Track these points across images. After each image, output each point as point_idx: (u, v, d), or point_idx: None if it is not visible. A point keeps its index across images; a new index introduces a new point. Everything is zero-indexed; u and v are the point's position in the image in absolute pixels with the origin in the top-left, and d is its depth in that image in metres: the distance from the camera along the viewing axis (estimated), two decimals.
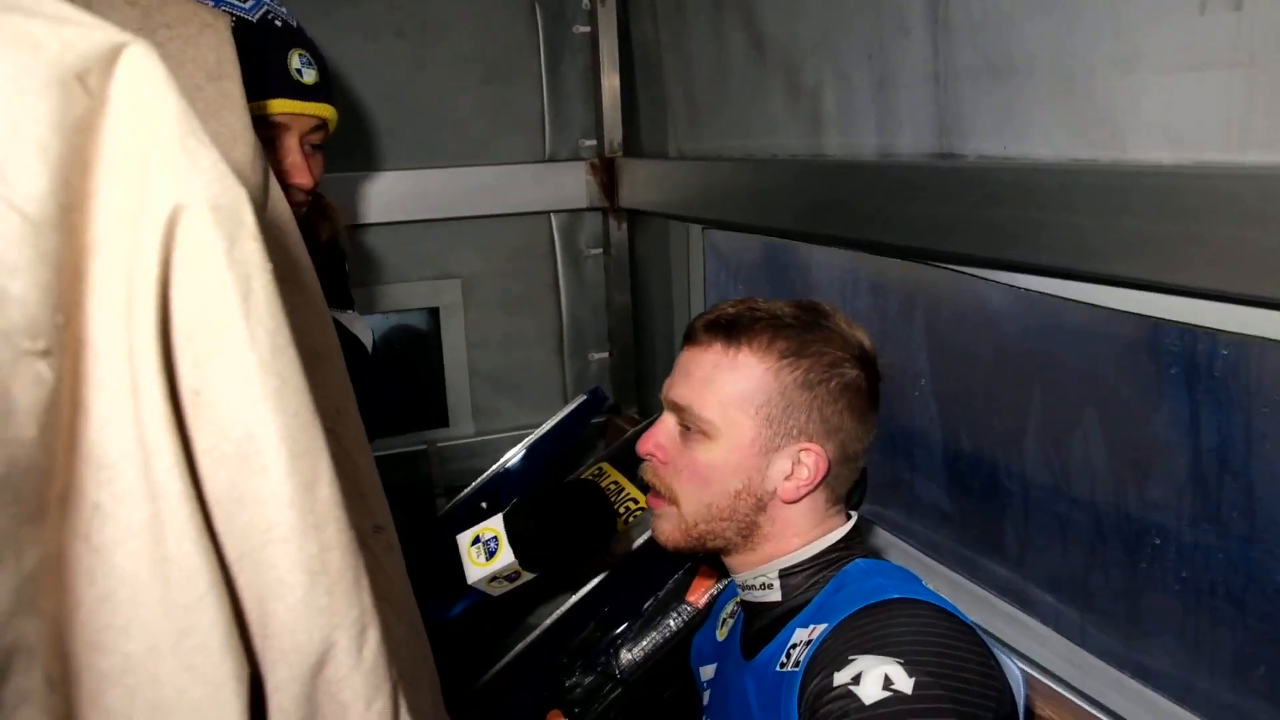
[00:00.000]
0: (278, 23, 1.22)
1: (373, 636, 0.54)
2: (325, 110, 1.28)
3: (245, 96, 0.84)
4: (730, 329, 1.07)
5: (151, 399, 0.43)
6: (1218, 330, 1.02)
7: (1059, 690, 1.19)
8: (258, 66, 1.19)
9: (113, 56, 0.42)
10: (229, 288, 0.45)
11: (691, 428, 1.08)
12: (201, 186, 0.44)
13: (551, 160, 2.38)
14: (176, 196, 0.43)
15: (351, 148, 2.17)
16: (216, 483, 0.46)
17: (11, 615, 0.40)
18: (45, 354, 0.39)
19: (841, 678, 0.89)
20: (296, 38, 1.25)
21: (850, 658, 0.90)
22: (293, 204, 1.33)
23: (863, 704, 0.86)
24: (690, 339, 1.12)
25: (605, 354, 2.53)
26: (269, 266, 0.48)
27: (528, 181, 2.35)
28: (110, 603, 0.44)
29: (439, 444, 2.36)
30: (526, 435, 2.13)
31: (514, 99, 2.33)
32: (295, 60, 1.22)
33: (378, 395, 1.79)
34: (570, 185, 2.38)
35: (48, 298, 0.39)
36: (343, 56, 2.12)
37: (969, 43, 1.28)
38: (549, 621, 1.43)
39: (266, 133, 1.24)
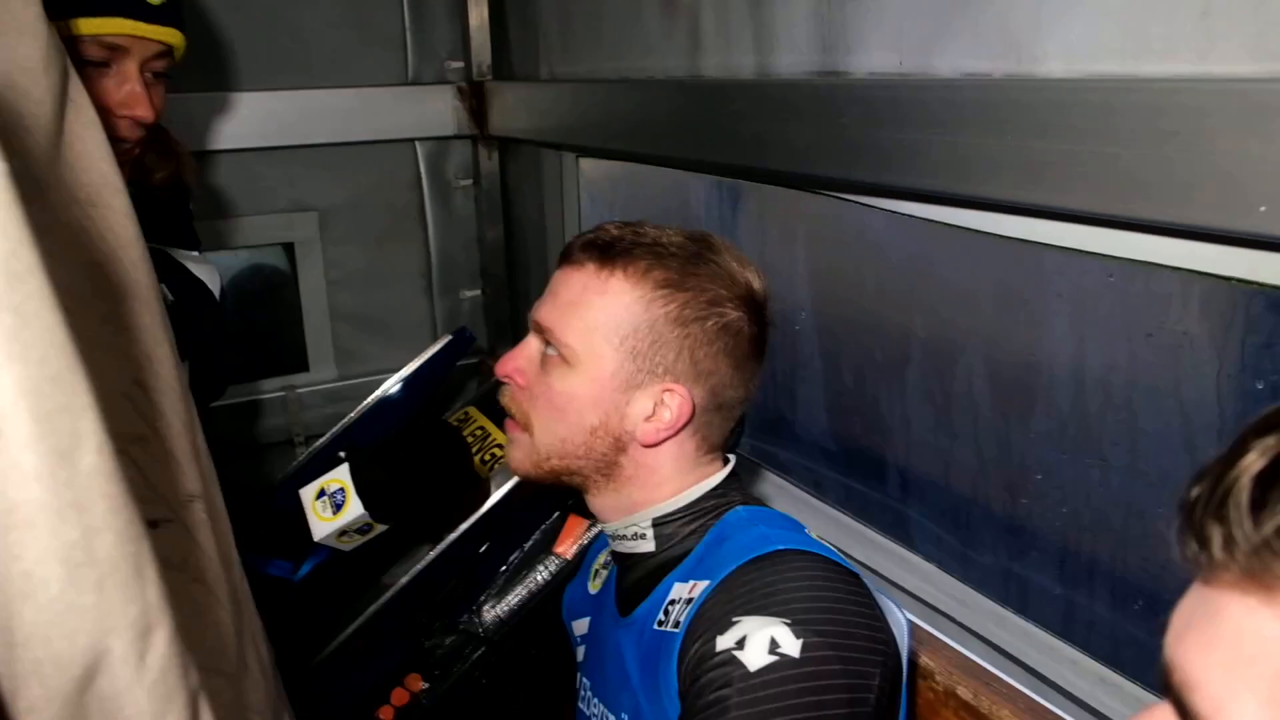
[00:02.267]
0: None
1: (160, 638, 0.42)
2: (173, 36, 1.14)
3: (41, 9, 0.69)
4: (607, 251, 0.97)
5: None
6: (1104, 255, 0.96)
7: (938, 634, 1.15)
8: None
9: None
10: None
11: (552, 351, 0.98)
12: None
13: (415, 83, 2.20)
14: None
15: (192, 65, 1.93)
16: None
17: None
18: None
19: (725, 642, 0.82)
20: None
21: (734, 620, 0.83)
22: (127, 139, 1.17)
23: (747, 670, 0.79)
24: (565, 258, 1.01)
25: (477, 291, 2.39)
26: (2, 165, 0.35)
27: (389, 106, 2.18)
28: None
29: (298, 389, 2.19)
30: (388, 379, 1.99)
31: (372, 14, 2.14)
32: None
33: (226, 346, 1.63)
34: (436, 111, 2.21)
35: None
36: None
37: None
38: (405, 580, 1.32)
39: (101, 55, 1.10)
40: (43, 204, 0.59)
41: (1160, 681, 0.42)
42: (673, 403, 0.96)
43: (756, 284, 1.00)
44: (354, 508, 1.15)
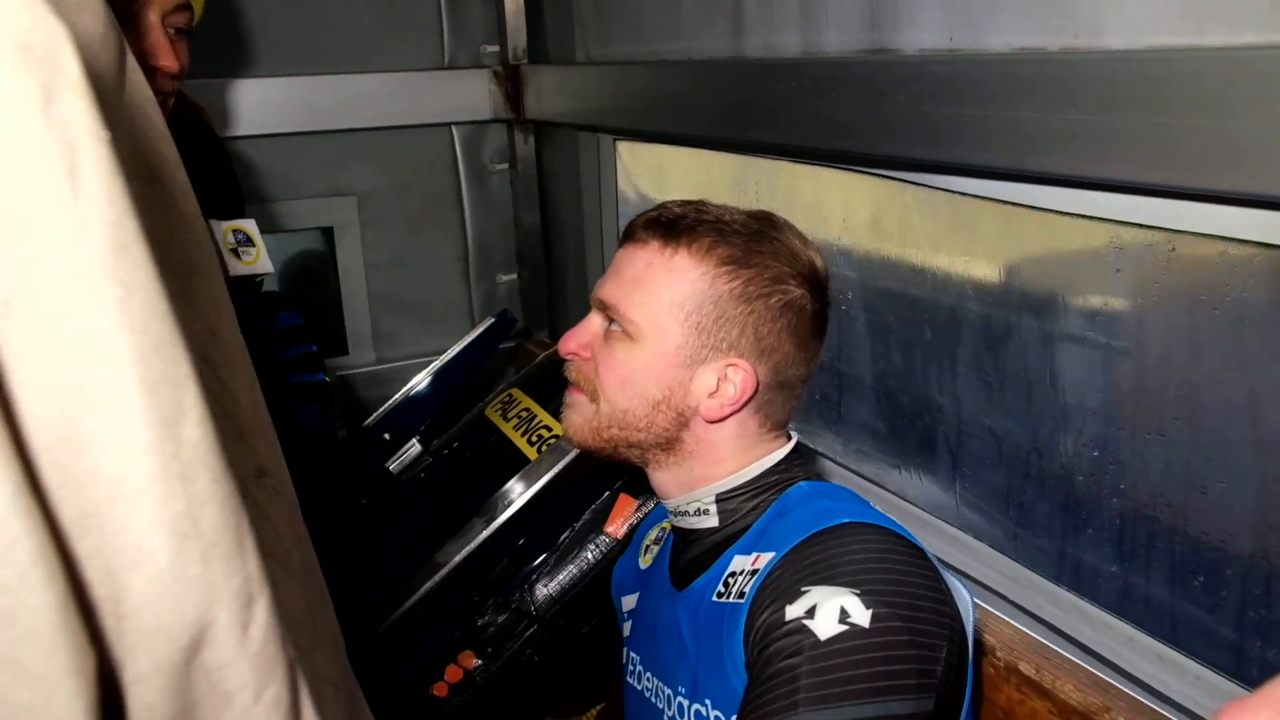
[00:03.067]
0: None
1: (261, 609, 0.42)
2: None
3: None
4: (670, 228, 0.98)
5: None
6: (1173, 230, 0.95)
7: (996, 612, 1.15)
8: None
9: None
10: (48, 158, 0.33)
11: (616, 327, 0.99)
12: (2, 24, 0.31)
13: (451, 67, 2.20)
14: None
15: (232, 51, 1.97)
16: (43, 423, 0.34)
17: None
18: None
19: (794, 611, 0.82)
20: None
21: (803, 589, 0.83)
22: (157, 92, 1.18)
23: (818, 639, 0.79)
24: (628, 236, 1.02)
25: (514, 276, 2.40)
26: (104, 134, 0.35)
27: (425, 90, 2.18)
28: None
29: (338, 373, 2.21)
30: (431, 361, 2.00)
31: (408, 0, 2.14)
32: None
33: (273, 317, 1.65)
34: (472, 95, 2.22)
35: None
36: None
37: None
38: (459, 558, 1.33)
39: (122, 6, 1.09)
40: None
41: None
42: (736, 378, 0.96)
43: (818, 262, 1.01)
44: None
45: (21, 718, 0.34)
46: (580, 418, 1.03)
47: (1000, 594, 1.26)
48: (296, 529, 0.85)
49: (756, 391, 0.97)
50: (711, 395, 0.97)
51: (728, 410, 0.97)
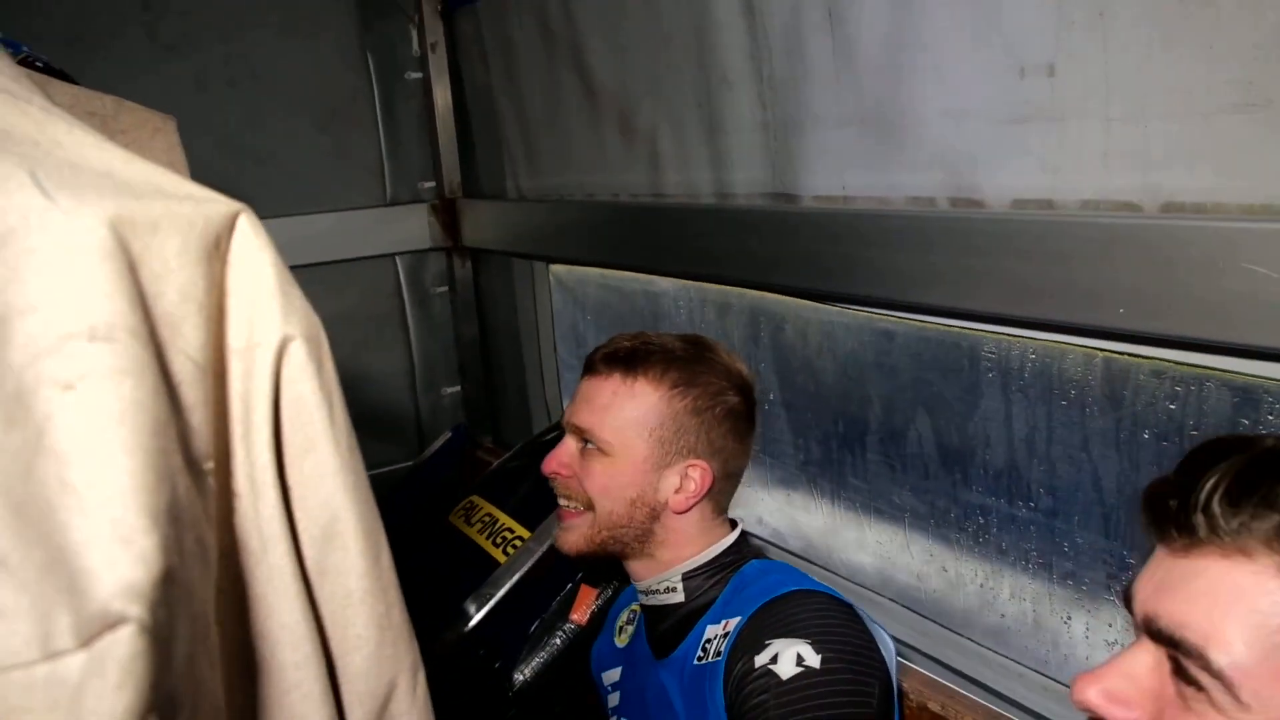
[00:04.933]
0: (38, 64, 1.23)
1: (421, 677, 0.63)
2: None
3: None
4: (628, 360, 1.21)
5: (268, 497, 0.51)
6: (1005, 335, 1.22)
7: (906, 662, 1.37)
8: None
9: (232, 223, 0.49)
10: (319, 403, 0.53)
11: (591, 446, 1.20)
12: (298, 321, 0.52)
13: (393, 204, 2.43)
14: (283, 330, 0.50)
15: None
16: (309, 560, 0.54)
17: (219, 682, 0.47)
18: (212, 471, 0.48)
19: (761, 659, 1.04)
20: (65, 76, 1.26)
21: (766, 642, 1.05)
22: None
23: (780, 679, 1.01)
24: (590, 369, 1.24)
25: (457, 387, 2.59)
26: (340, 386, 0.56)
27: (370, 225, 2.40)
28: (238, 661, 0.51)
29: None
30: (385, 473, 2.17)
31: (352, 145, 2.37)
32: None
33: None
34: (413, 227, 2.44)
35: (209, 426, 0.46)
36: (174, 109, 2.08)
37: (794, 96, 1.43)
38: (441, 652, 1.49)
39: None
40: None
41: (1142, 627, 0.64)
42: (696, 475, 1.19)
43: (745, 371, 1.25)
44: None
45: None
46: (576, 534, 1.23)
47: (912, 645, 1.48)
48: None
49: (713, 484, 1.19)
50: (677, 491, 1.19)
51: (692, 502, 1.19)
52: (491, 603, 1.51)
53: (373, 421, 2.47)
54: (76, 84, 0.88)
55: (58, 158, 0.44)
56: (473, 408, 2.59)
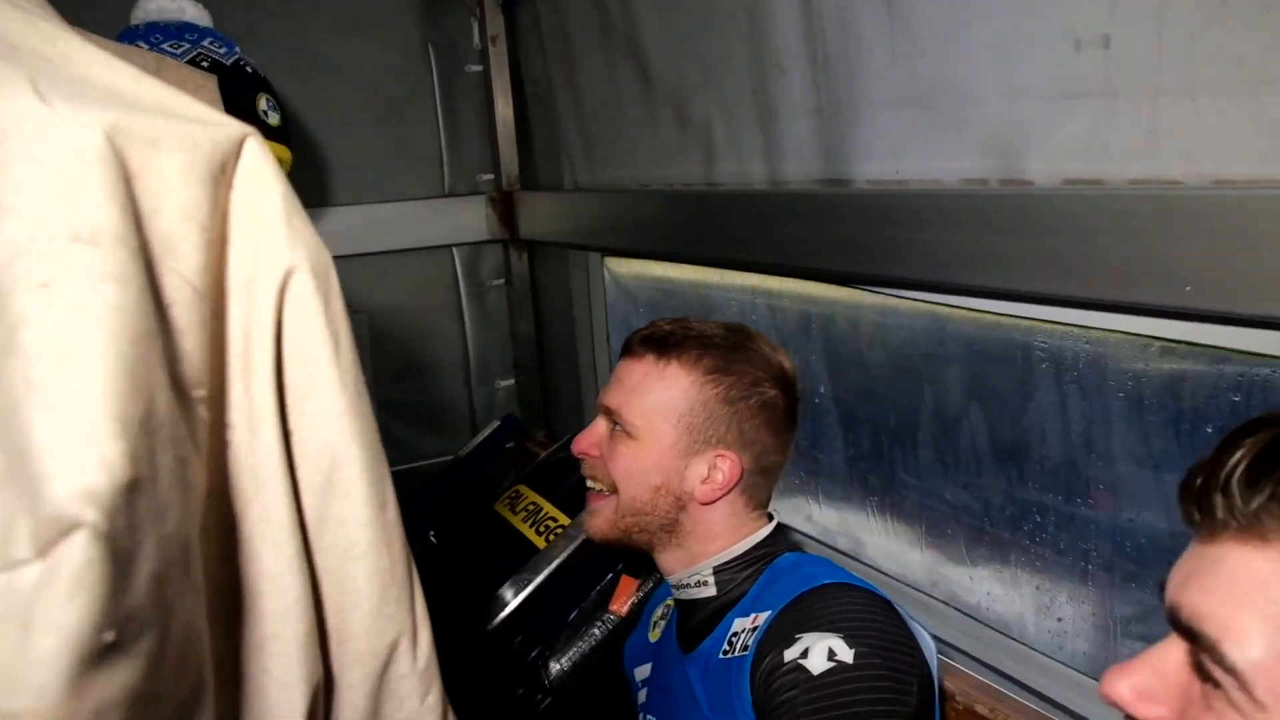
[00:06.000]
0: (248, 69, 1.29)
1: (424, 638, 0.61)
2: (283, 150, 1.35)
3: None
4: (663, 344, 1.18)
5: (266, 437, 0.50)
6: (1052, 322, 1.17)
7: (954, 664, 1.32)
8: (229, 108, 1.25)
9: (239, 147, 0.49)
10: (325, 340, 0.52)
11: (619, 428, 1.17)
12: (305, 254, 0.50)
13: (451, 195, 2.44)
14: (287, 262, 0.49)
15: None
16: (308, 508, 0.53)
17: (202, 617, 0.46)
18: (204, 400, 0.46)
19: (791, 654, 0.99)
20: (264, 84, 1.32)
21: (796, 636, 1.01)
22: None
23: (811, 674, 0.96)
24: (626, 351, 1.22)
25: (511, 381, 2.59)
26: (349, 323, 0.55)
27: (428, 216, 2.41)
28: (221, 601, 0.50)
29: None
30: (438, 463, 2.18)
31: (412, 136, 2.39)
32: (263, 103, 1.29)
33: None
34: (470, 219, 2.45)
35: (204, 353, 0.46)
36: None
37: (848, 79, 1.40)
38: (479, 638, 1.49)
39: None
40: None
41: (1168, 619, 0.60)
42: (724, 466, 1.15)
43: (787, 365, 1.21)
44: None
45: (262, 707, 0.51)
46: (600, 518, 1.21)
47: (959, 647, 1.43)
48: None
49: (742, 477, 1.16)
50: (704, 481, 1.15)
51: (718, 493, 1.15)
52: (529, 589, 1.50)
53: (426, 413, 2.49)
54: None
55: (64, 72, 0.43)
56: (526, 401, 2.59)
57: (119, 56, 0.82)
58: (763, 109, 1.62)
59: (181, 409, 0.42)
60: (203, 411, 0.45)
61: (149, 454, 0.38)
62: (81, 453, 0.35)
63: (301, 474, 0.51)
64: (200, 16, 1.29)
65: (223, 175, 0.46)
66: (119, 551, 0.36)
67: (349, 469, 0.52)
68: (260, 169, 0.49)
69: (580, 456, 1.23)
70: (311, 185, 2.25)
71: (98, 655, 0.35)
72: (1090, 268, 1.02)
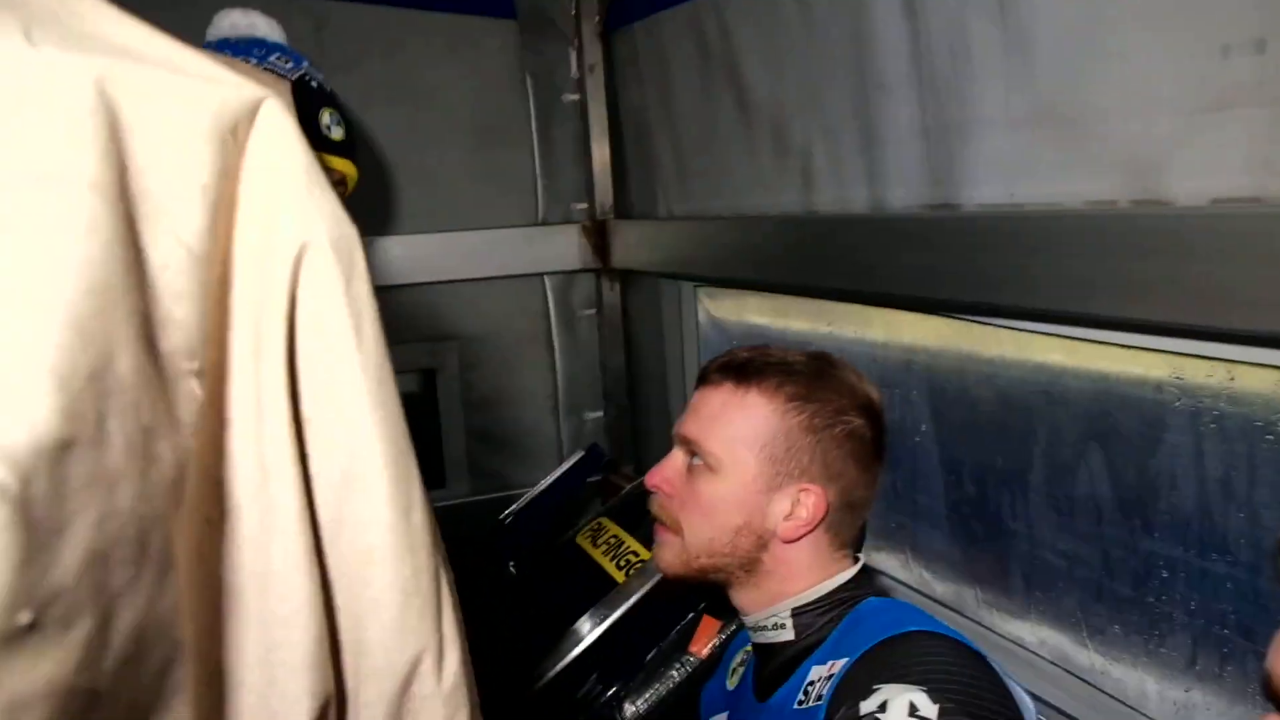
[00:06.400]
0: (313, 83, 1.29)
1: (452, 659, 0.55)
2: (346, 165, 1.34)
3: None
4: (742, 371, 1.10)
5: (276, 423, 0.45)
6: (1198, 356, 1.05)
7: None
8: None
9: (254, 110, 0.45)
10: (344, 322, 0.47)
11: (698, 461, 1.10)
12: (324, 227, 0.46)
13: (545, 223, 2.42)
14: (304, 235, 0.45)
15: (357, 214, 2.21)
16: (324, 505, 0.48)
17: (174, 611, 0.41)
18: (199, 374, 0.42)
19: (867, 706, 0.89)
20: (329, 98, 1.32)
21: (874, 687, 0.91)
22: None
23: None
24: (703, 379, 1.14)
25: (600, 413, 2.54)
26: (375, 304, 0.50)
27: (521, 244, 2.39)
28: (212, 609, 0.45)
29: (435, 504, 2.33)
30: (523, 493, 2.13)
31: (506, 164, 2.38)
32: (326, 117, 1.29)
33: None
34: (563, 247, 2.42)
35: (202, 323, 0.41)
36: None
37: (957, 98, 1.32)
38: (551, 673, 1.42)
39: None
40: None
41: (1263, 692, 0.50)
42: (808, 501, 1.06)
43: (874, 394, 1.12)
44: None
45: None
46: (670, 553, 1.13)
47: (1065, 712, 1.30)
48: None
49: (827, 512, 1.07)
50: (787, 518, 1.07)
51: (802, 530, 1.07)
52: (605, 624, 1.43)
53: (513, 443, 2.45)
54: None
55: (68, 23, 0.40)
56: (615, 434, 2.53)
57: None
58: (865, 132, 1.55)
59: (158, 377, 0.38)
60: (194, 386, 0.40)
61: (96, 416, 0.33)
62: (3, 403, 0.30)
63: (317, 467, 0.46)
64: (272, 31, 1.29)
65: (233, 137, 0.42)
66: (39, 520, 0.31)
67: (370, 465, 0.47)
68: (280, 135, 0.45)
69: (654, 490, 1.15)
70: (406, 211, 2.26)
71: (9, 638, 0.30)
72: (1241, 294, 0.91)
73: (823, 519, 1.07)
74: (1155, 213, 1.03)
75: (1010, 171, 1.27)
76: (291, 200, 0.44)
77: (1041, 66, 1.19)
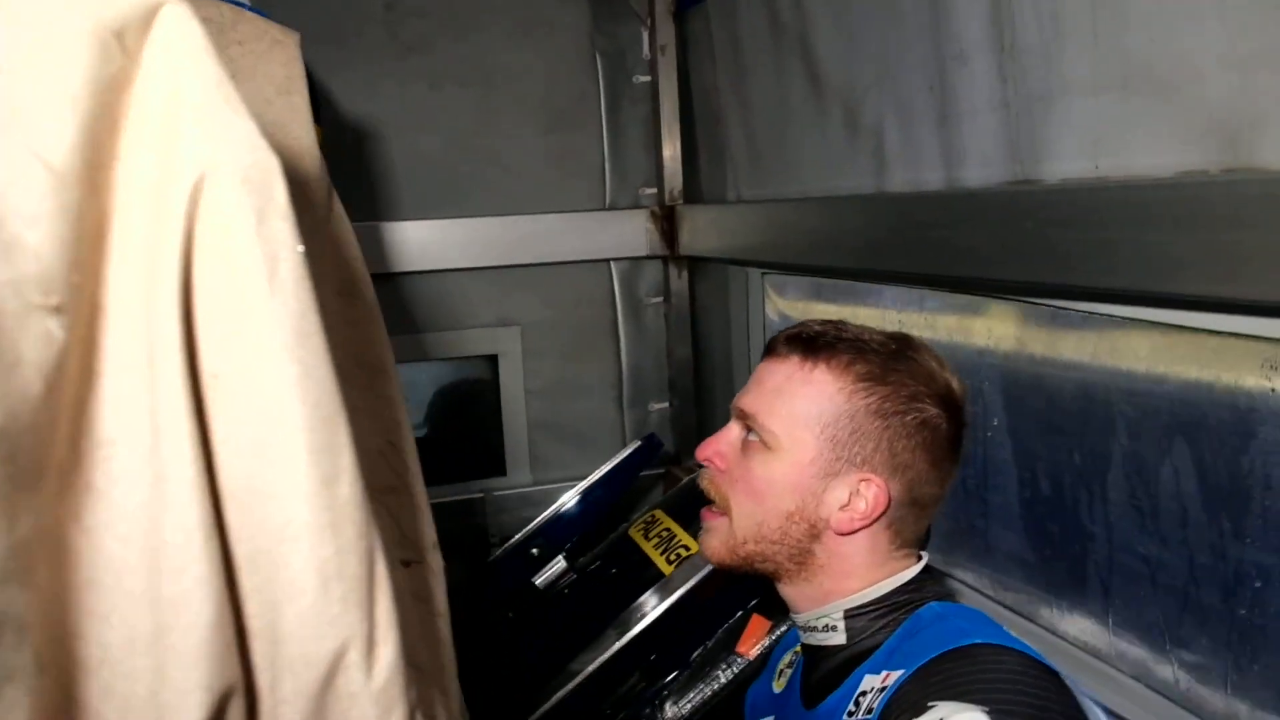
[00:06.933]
0: None
1: (386, 652, 0.49)
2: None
3: (311, 112, 0.84)
4: (811, 344, 1.02)
5: (169, 377, 0.40)
6: None
7: None
8: None
9: (149, 16, 0.40)
10: (254, 265, 0.42)
11: (754, 437, 1.02)
12: (231, 156, 0.41)
13: (612, 208, 2.37)
14: (204, 163, 0.40)
15: (415, 195, 2.20)
16: (232, 474, 0.43)
17: (1, 582, 0.37)
18: (57, 311, 0.37)
19: None
20: None
21: (930, 704, 0.82)
22: None
23: None
24: (769, 351, 1.06)
25: (665, 404, 2.48)
26: (299, 247, 0.44)
27: (588, 229, 2.34)
28: (96, 588, 0.41)
29: (495, 492, 2.32)
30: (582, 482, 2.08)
31: (575, 147, 2.33)
32: None
33: None
34: (630, 233, 2.36)
35: (65, 254, 0.36)
36: (409, 107, 2.16)
37: (1041, 64, 1.22)
38: (591, 668, 1.36)
39: None
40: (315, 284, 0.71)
41: None
42: (868, 493, 0.97)
43: (955, 384, 1.02)
44: None
45: (158, 716, 0.40)
46: (717, 539, 1.05)
47: None
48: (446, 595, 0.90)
49: (889, 507, 0.98)
50: (843, 508, 0.98)
51: (858, 524, 0.98)
52: (647, 620, 1.36)
53: (575, 432, 2.41)
54: None
55: None
56: (681, 426, 2.46)
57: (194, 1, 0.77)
58: (940, 107, 1.45)
59: None
60: (52, 326, 0.35)
61: None
62: None
63: (225, 430, 0.41)
64: None
65: (118, 42, 0.37)
66: None
67: (286, 429, 0.41)
68: (183, 46, 0.39)
69: (704, 462, 1.07)
70: (472, 193, 2.23)
71: None
72: None
73: (882, 513, 0.98)
74: (1252, 179, 0.92)
75: (1094, 141, 1.17)
76: (193, 121, 0.39)
77: (1133, 24, 1.08)
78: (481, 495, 2.32)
